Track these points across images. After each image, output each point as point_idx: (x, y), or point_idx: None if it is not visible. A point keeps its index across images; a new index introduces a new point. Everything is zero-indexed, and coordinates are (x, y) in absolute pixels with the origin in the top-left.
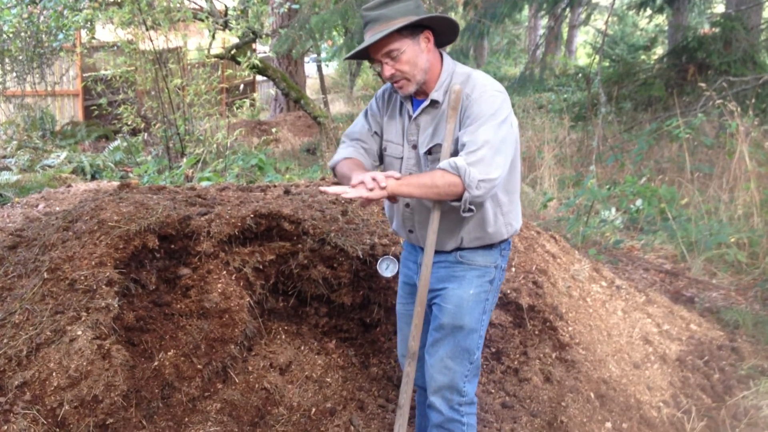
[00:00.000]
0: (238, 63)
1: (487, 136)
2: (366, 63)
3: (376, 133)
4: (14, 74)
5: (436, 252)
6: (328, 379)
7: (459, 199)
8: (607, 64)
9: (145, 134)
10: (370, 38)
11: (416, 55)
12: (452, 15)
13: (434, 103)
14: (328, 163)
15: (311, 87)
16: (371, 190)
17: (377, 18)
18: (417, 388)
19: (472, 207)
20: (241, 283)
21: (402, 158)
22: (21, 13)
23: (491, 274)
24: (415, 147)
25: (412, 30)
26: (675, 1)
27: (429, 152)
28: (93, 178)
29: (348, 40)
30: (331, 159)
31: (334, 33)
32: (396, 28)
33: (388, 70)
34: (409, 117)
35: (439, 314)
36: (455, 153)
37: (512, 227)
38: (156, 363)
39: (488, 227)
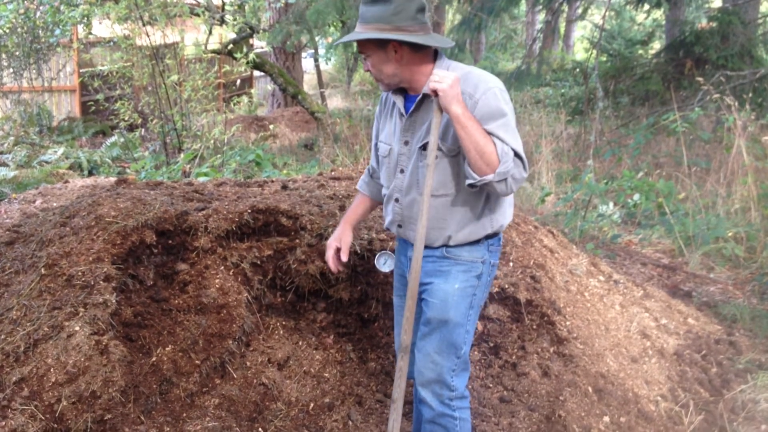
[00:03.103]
0: (236, 58)
1: (514, 144)
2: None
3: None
4: (11, 70)
5: (425, 247)
6: (326, 374)
7: (479, 175)
8: (604, 58)
9: (142, 130)
10: (345, 37)
11: (381, 62)
12: (448, 8)
13: (427, 97)
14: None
15: (308, 82)
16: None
17: (362, 15)
18: (414, 382)
19: (479, 186)
20: (239, 279)
21: (388, 156)
22: (18, 9)
23: (478, 269)
24: (407, 143)
25: (378, 41)
26: None
27: (424, 147)
28: (90, 173)
29: (345, 33)
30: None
31: (331, 27)
32: (359, 38)
33: (365, 66)
34: (401, 115)
35: (426, 309)
36: (455, 155)
37: (497, 222)
38: (154, 358)
39: (473, 222)
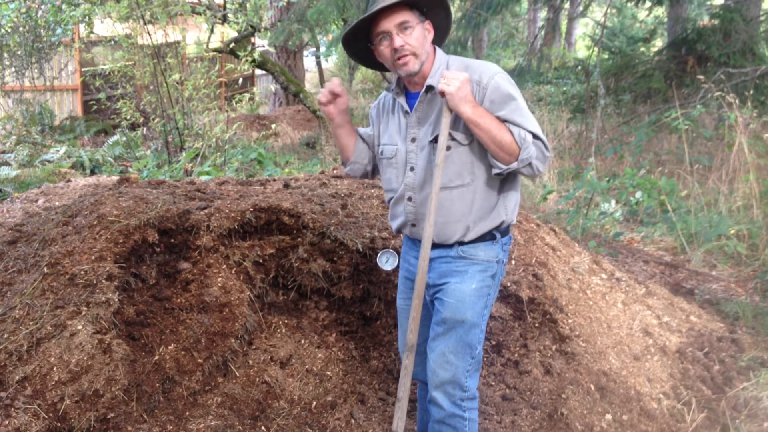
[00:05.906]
0: (237, 57)
1: (532, 127)
2: None
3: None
4: (13, 69)
5: (439, 247)
6: (329, 373)
7: (504, 164)
8: (606, 56)
9: (144, 129)
10: (384, 1)
11: (422, 35)
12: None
13: (430, 89)
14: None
15: (310, 81)
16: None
17: None
18: (418, 383)
19: (505, 173)
20: (241, 277)
21: (395, 157)
22: (19, 8)
23: (493, 269)
24: (414, 140)
25: (420, 14)
26: None
27: (435, 140)
28: (92, 172)
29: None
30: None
31: (333, 26)
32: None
33: (398, 41)
34: (406, 112)
35: (441, 308)
36: (469, 143)
37: (510, 209)
38: (156, 357)
39: (490, 212)
